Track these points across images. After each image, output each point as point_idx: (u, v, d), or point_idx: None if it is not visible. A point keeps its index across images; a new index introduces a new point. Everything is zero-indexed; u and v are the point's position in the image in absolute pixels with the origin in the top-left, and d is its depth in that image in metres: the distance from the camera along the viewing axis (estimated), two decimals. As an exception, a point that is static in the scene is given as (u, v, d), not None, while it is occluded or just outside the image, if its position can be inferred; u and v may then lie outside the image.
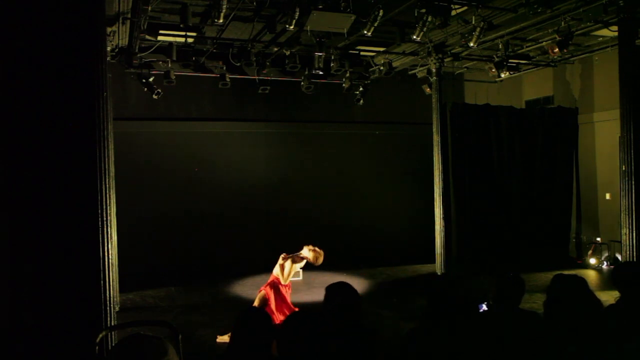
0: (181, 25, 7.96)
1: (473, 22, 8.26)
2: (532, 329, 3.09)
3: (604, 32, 9.05)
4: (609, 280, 4.39)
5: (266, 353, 2.47)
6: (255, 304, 6.17)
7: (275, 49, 9.86)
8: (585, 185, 11.56)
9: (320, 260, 6.17)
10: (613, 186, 10.07)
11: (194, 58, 9.99)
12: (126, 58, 9.50)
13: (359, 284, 9.68)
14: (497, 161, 11.21)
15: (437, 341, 2.64)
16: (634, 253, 8.00)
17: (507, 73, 10.39)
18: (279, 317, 5.96)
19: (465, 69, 12.22)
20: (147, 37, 9.08)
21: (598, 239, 10.95)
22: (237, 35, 9.44)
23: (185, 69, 10.53)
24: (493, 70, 10.39)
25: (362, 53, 10.98)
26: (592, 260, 10.68)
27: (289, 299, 6.22)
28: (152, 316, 7.91)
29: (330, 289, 3.04)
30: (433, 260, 10.74)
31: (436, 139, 10.62)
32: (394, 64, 11.00)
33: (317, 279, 9.75)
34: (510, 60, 10.21)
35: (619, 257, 9.57)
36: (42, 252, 3.40)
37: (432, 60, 10.45)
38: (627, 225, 8.11)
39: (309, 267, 6.52)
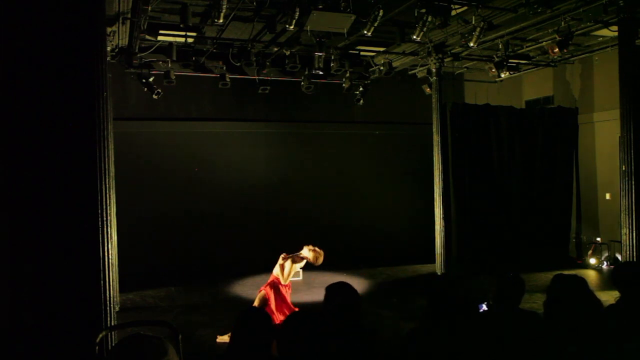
0: (181, 25, 7.96)
1: (473, 22, 8.26)
2: (532, 329, 3.09)
3: (604, 32, 9.05)
4: (609, 280, 4.39)
5: (266, 353, 2.47)
6: (255, 304, 6.17)
7: (275, 49, 9.86)
8: (585, 185, 11.56)
9: (320, 260, 6.17)
10: (613, 186, 10.07)
11: (194, 58, 9.99)
12: (126, 58, 9.50)
13: (359, 284, 9.68)
14: (497, 161, 11.21)
15: (437, 341, 2.64)
16: (634, 253, 8.00)
17: (507, 73, 10.39)
18: (278, 317, 5.96)
19: (465, 69, 12.22)
20: (147, 37, 9.08)
21: (598, 239, 10.95)
22: (237, 35, 9.45)
23: (185, 69, 10.53)
24: (493, 70, 10.39)
25: (362, 53, 10.98)
26: (592, 260, 10.68)
27: (289, 299, 6.22)
28: (152, 316, 7.91)
29: (331, 289, 3.04)
30: (433, 260, 10.74)
31: (436, 139, 10.62)
32: (394, 64, 11.00)
33: (317, 279, 9.75)
34: (510, 60, 10.21)
35: (619, 257, 9.57)
36: (42, 252, 3.40)
37: (432, 60, 10.45)
38: (627, 225, 8.11)
39: (308, 267, 6.52)
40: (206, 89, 11.38)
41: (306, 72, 10.80)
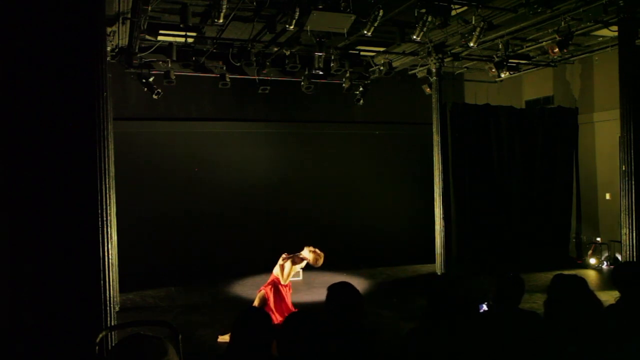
0: (181, 25, 7.96)
1: (473, 22, 8.26)
2: (532, 329, 3.09)
3: (604, 32, 9.05)
4: (609, 280, 4.39)
5: (266, 353, 2.47)
6: (255, 303, 6.17)
7: (275, 49, 9.86)
8: (585, 185, 11.56)
9: (320, 262, 6.17)
10: (613, 186, 10.07)
11: (194, 58, 9.99)
12: (126, 58, 9.50)
13: (359, 284, 9.63)
14: (497, 161, 11.21)
15: (437, 341, 2.64)
16: (634, 253, 8.00)
17: (507, 73, 10.39)
18: (277, 317, 5.96)
19: (465, 69, 12.22)
20: (147, 37, 9.08)
21: (598, 239, 10.95)
22: (237, 35, 9.45)
23: (185, 69, 10.53)
24: (493, 70, 10.39)
25: (362, 53, 10.98)
26: (592, 260, 10.68)
27: (289, 299, 6.22)
28: (152, 316, 7.91)
29: (333, 289, 3.04)
30: (433, 260, 10.74)
31: (436, 139, 10.62)
32: (394, 64, 11.00)
33: (317, 279, 9.75)
34: (510, 60, 10.21)
35: (619, 257, 9.57)
36: (42, 252, 3.40)
37: (432, 60, 10.45)
38: (627, 225, 8.11)
39: (309, 267, 6.52)
40: (206, 89, 11.38)
41: (306, 72, 10.80)
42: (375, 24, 7.62)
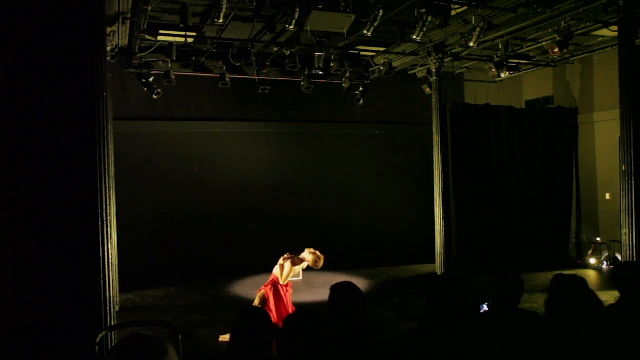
0: (181, 25, 7.96)
1: (473, 22, 8.26)
2: (532, 329, 3.09)
3: (604, 32, 9.05)
4: (609, 280, 4.39)
5: (266, 353, 2.47)
6: (255, 303, 6.17)
7: (275, 49, 9.86)
8: (585, 185, 11.56)
9: (320, 264, 6.16)
10: (613, 186, 10.07)
11: (194, 58, 9.99)
12: (126, 58, 9.50)
13: (359, 284, 9.62)
14: (497, 161, 11.21)
15: (437, 341, 2.64)
16: (634, 253, 8.00)
17: (507, 73, 10.39)
18: (276, 317, 5.95)
19: (465, 69, 12.22)
20: (147, 37, 9.08)
21: (598, 239, 10.95)
22: (237, 35, 9.44)
23: (185, 69, 10.53)
24: (493, 70, 10.39)
25: (362, 53, 10.98)
26: (592, 260, 10.68)
27: (289, 299, 6.21)
28: (152, 316, 7.91)
29: (336, 289, 3.04)
30: (433, 260, 10.74)
31: (436, 139, 10.62)
32: (394, 64, 11.00)
33: (317, 279, 9.75)
34: (510, 60, 10.21)
35: (619, 257, 9.56)
36: (42, 252, 3.40)
37: (432, 60, 10.45)
38: (627, 225, 8.11)
39: (309, 267, 6.51)
40: (206, 89, 11.38)
41: (306, 72, 10.80)
42: (375, 24, 7.62)
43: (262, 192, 11.65)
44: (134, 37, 8.57)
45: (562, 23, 8.40)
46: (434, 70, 10.56)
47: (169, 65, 9.84)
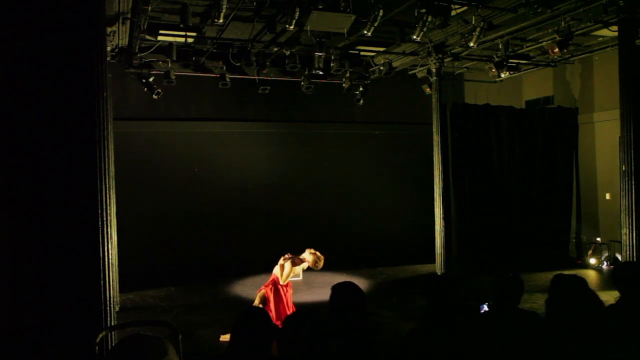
0: (181, 25, 7.96)
1: (473, 22, 8.26)
2: (532, 329, 3.09)
3: (604, 32, 9.05)
4: (609, 280, 4.39)
5: (266, 353, 2.47)
6: (255, 303, 6.17)
7: (275, 49, 9.86)
8: (585, 185, 11.56)
9: (320, 265, 6.16)
10: (613, 186, 10.07)
11: (194, 58, 9.99)
12: (126, 58, 9.50)
13: (359, 284, 9.64)
14: (497, 161, 11.21)
15: (437, 341, 2.64)
16: (634, 253, 8.00)
17: (507, 73, 10.39)
18: (276, 317, 5.95)
19: (465, 69, 12.22)
20: (147, 37, 9.08)
21: (598, 239, 10.95)
22: (237, 35, 9.45)
23: (185, 69, 10.53)
24: (493, 70, 10.39)
25: (362, 53, 10.98)
26: (592, 260, 10.68)
27: (289, 299, 6.21)
28: (152, 316, 7.91)
29: (337, 288, 3.04)
30: (433, 260, 10.74)
31: (436, 139, 10.62)
32: (394, 64, 11.00)
33: (317, 279, 9.75)
34: (510, 60, 10.21)
35: (619, 257, 9.57)
36: (42, 252, 3.40)
37: (432, 60, 10.45)
38: (627, 225, 8.11)
39: (309, 267, 6.51)
40: (206, 89, 11.39)
41: (306, 72, 10.80)
42: (375, 24, 7.62)
43: (262, 192, 11.65)
44: (134, 37, 8.57)
45: (562, 23, 8.40)
46: (434, 70, 10.56)
47: (169, 65, 9.84)
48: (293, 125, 12.24)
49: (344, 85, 11.39)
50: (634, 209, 8.03)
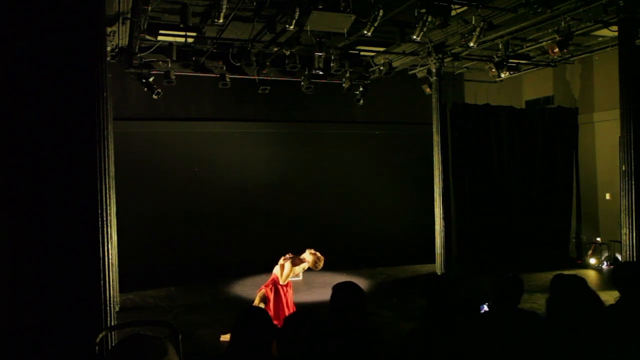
0: (181, 25, 7.96)
1: (473, 22, 8.26)
2: (532, 329, 3.09)
3: (604, 32, 9.05)
4: (609, 280, 4.39)
5: (266, 353, 2.47)
6: (255, 303, 6.17)
7: (275, 49, 9.86)
8: (585, 185, 11.56)
9: (320, 265, 6.16)
10: (613, 186, 10.07)
11: (194, 58, 9.99)
12: (126, 58, 9.50)
13: (359, 284, 9.67)
14: (497, 161, 11.21)
15: (437, 341, 2.64)
16: (634, 253, 8.00)
17: (507, 73, 10.39)
18: (275, 317, 5.95)
19: (465, 69, 12.22)
20: (147, 37, 9.08)
21: (598, 239, 10.95)
22: (237, 35, 9.45)
23: (185, 69, 10.53)
24: (493, 70, 10.39)
25: (362, 53, 10.98)
26: (592, 260, 10.68)
27: (289, 299, 6.21)
28: (152, 316, 7.91)
29: (338, 288, 3.04)
30: (433, 260, 10.74)
31: (436, 139, 10.62)
32: (394, 64, 11.00)
33: (317, 279, 9.74)
34: (510, 60, 10.21)
35: (619, 257, 9.56)
36: (42, 252, 3.40)
37: (432, 60, 10.45)
38: (627, 225, 8.11)
39: (309, 268, 6.51)
40: (206, 89, 11.39)
41: (306, 72, 10.80)
42: (375, 24, 7.62)
43: (262, 192, 11.65)
44: (134, 37, 8.57)
45: (562, 23, 8.40)
46: (434, 70, 10.56)
47: (169, 65, 9.84)
48: (293, 125, 12.24)
49: (344, 85, 11.39)
50: (634, 209, 8.03)
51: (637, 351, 2.74)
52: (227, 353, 2.48)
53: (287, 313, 5.89)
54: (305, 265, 6.23)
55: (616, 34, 8.44)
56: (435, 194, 10.65)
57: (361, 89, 11.64)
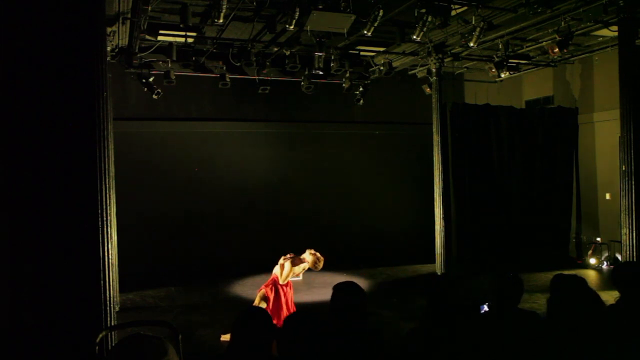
0: (181, 25, 7.96)
1: (473, 22, 8.26)
2: (531, 329, 3.09)
3: (604, 32, 9.05)
4: (609, 280, 4.39)
5: (266, 353, 2.47)
6: (255, 303, 6.16)
7: (275, 49, 9.86)
8: (585, 185, 11.56)
9: (320, 266, 6.16)
10: (613, 186, 10.07)
11: (194, 58, 9.99)
12: (126, 58, 9.50)
13: (359, 284, 9.66)
14: (497, 161, 11.21)
15: (437, 341, 2.64)
16: (634, 253, 8.00)
17: (507, 73, 10.39)
18: (275, 317, 5.95)
19: (465, 69, 12.22)
20: (147, 37, 9.08)
21: (598, 239, 10.95)
22: (237, 35, 9.45)
23: (185, 69, 10.53)
24: (493, 70, 10.39)
25: (362, 53, 10.98)
26: (592, 260, 10.68)
27: (289, 299, 6.21)
28: (152, 316, 7.91)
29: (338, 288, 3.04)
30: (433, 260, 10.74)
31: (436, 139, 10.62)
32: (394, 64, 11.00)
33: (317, 279, 9.74)
34: (510, 60, 10.21)
35: (619, 257, 9.56)
36: (42, 252, 3.40)
37: (432, 60, 10.45)
38: (627, 225, 8.11)
39: (309, 268, 6.51)
40: (206, 89, 11.38)
41: (306, 72, 10.80)
42: (375, 24, 7.62)
43: (262, 192, 11.66)
44: (134, 37, 8.57)
45: (562, 23, 8.40)
46: (434, 70, 10.56)
47: (169, 65, 9.84)
48: (293, 125, 12.24)
49: (344, 85, 11.39)
50: (634, 209, 8.03)
51: (637, 351, 2.74)
52: (227, 353, 2.48)
53: (287, 313, 5.89)
54: (305, 266, 6.23)
55: (616, 34, 8.44)
56: (435, 194, 10.65)
57: (361, 89, 11.64)
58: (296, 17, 7.30)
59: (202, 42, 9.78)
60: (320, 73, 10.60)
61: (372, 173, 12.44)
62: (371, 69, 11.44)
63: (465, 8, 7.93)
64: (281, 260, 6.21)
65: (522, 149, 11.35)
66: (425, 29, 7.64)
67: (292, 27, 7.47)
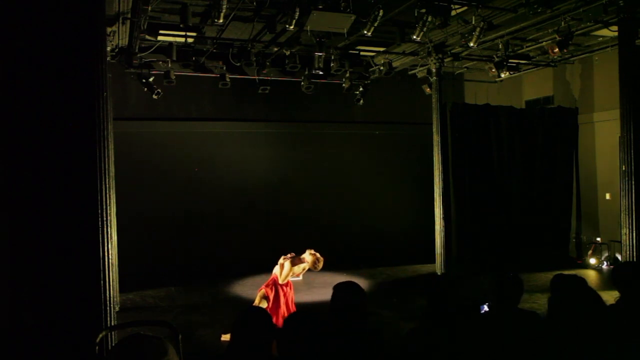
0: (181, 25, 7.96)
1: (473, 22, 8.26)
2: (531, 329, 3.09)
3: (604, 32, 9.05)
4: (609, 280, 4.40)
5: (266, 353, 2.47)
6: (255, 302, 6.16)
7: (275, 49, 9.86)
8: (585, 185, 11.56)
9: (319, 266, 6.15)
10: (613, 186, 10.07)
11: (194, 58, 9.99)
12: (126, 58, 9.50)
13: (359, 284, 9.66)
14: (497, 161, 11.21)
15: (437, 341, 2.64)
16: (634, 253, 8.00)
17: (507, 73, 10.39)
18: (275, 317, 5.94)
19: (465, 69, 12.22)
20: (147, 37, 9.08)
21: (598, 239, 10.95)
22: (237, 35, 9.45)
23: (185, 69, 10.53)
24: (493, 70, 10.39)
25: (362, 53, 10.98)
26: (592, 260, 10.68)
27: (289, 299, 6.21)
28: (152, 316, 7.91)
29: (338, 288, 3.04)
30: (433, 260, 10.74)
31: (436, 139, 10.62)
32: (394, 64, 11.00)
33: (317, 279, 9.74)
34: (510, 60, 10.21)
35: (619, 257, 9.56)
36: (42, 252, 3.40)
37: (432, 60, 10.45)
38: (627, 225, 8.11)
39: (309, 269, 6.50)
40: (206, 89, 11.38)
41: (306, 72, 10.80)
42: (375, 24, 7.62)
43: (262, 192, 11.66)
44: (134, 37, 8.57)
45: (562, 23, 8.40)
46: (434, 70, 10.56)
47: (169, 65, 9.84)
48: (293, 125, 12.24)
49: (344, 85, 11.39)
50: (634, 209, 8.03)
51: (637, 351, 2.75)
52: (227, 353, 2.48)
53: (287, 313, 5.89)
54: (305, 266, 6.22)
55: (616, 34, 8.44)
56: (435, 194, 10.65)
57: (361, 89, 11.64)
58: (296, 17, 7.30)
59: (202, 42, 9.78)
60: (320, 73, 10.60)
61: (372, 173, 12.44)
62: (371, 69, 11.44)
63: (465, 8, 7.93)
64: (281, 260, 6.21)
65: (522, 149, 11.36)
66: (425, 29, 7.64)
67: (292, 27, 7.47)
